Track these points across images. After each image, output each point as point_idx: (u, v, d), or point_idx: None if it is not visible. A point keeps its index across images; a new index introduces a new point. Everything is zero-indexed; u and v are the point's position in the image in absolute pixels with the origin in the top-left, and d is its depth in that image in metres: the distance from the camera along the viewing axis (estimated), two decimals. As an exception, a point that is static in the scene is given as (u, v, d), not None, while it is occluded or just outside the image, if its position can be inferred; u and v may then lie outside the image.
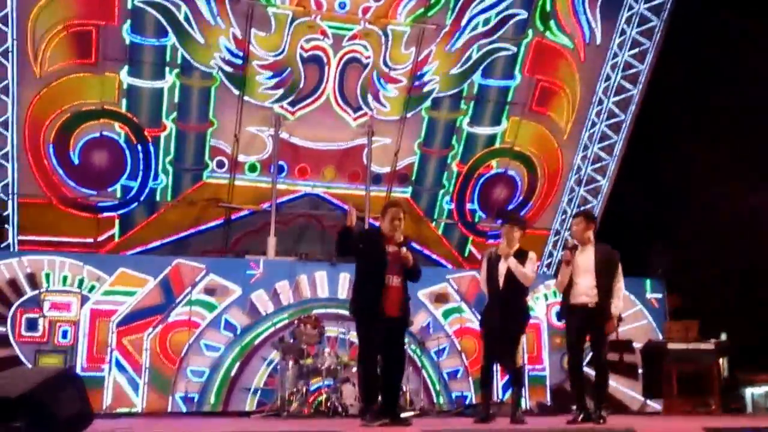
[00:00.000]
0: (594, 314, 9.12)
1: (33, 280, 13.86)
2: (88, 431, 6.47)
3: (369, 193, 16.88)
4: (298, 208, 17.39)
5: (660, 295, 16.58)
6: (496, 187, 18.25)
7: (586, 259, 9.27)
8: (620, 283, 9.29)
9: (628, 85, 17.84)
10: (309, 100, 16.85)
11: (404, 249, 8.84)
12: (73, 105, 15.91)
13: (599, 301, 9.09)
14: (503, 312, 9.35)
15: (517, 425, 9.10)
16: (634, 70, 17.78)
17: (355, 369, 12.23)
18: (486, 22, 16.98)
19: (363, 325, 8.77)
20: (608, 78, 17.91)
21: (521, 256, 9.50)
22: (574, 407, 9.56)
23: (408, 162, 17.73)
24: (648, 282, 16.58)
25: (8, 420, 6.00)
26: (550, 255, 18.62)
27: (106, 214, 16.42)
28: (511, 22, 17.13)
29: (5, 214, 15.70)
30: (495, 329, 9.39)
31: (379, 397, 8.72)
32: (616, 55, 17.81)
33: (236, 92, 16.38)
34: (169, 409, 13.72)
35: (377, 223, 9.66)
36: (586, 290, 9.16)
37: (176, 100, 16.37)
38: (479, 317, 10.14)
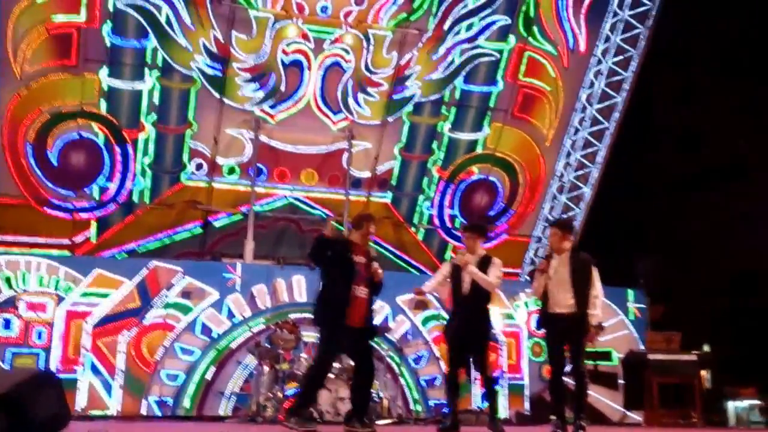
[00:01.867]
0: (571, 324, 9.01)
1: (9, 280, 13.74)
2: (64, 432, 6.42)
3: (348, 198, 16.81)
4: (277, 212, 17.26)
5: (642, 306, 16.46)
6: (477, 193, 18.18)
7: (562, 268, 9.16)
8: (596, 291, 9.14)
9: (611, 93, 17.79)
10: (290, 104, 16.78)
11: (376, 263, 8.86)
12: (53, 106, 15.86)
13: (576, 311, 8.98)
14: (469, 320, 9.29)
15: None
16: (618, 78, 17.76)
17: (332, 375, 12.19)
18: (469, 27, 16.96)
19: (327, 332, 8.67)
20: (592, 85, 17.89)
21: (486, 262, 9.41)
22: (553, 417, 9.46)
23: (388, 167, 17.67)
24: (630, 292, 16.47)
25: (-14, 419, 5.97)
26: (532, 262, 18.52)
27: (83, 215, 16.30)
28: (494, 27, 17.12)
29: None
30: (461, 337, 9.32)
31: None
32: (600, 62, 17.79)
33: (216, 95, 16.33)
34: (143, 413, 13.59)
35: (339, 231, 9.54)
36: (563, 300, 9.05)
37: (156, 101, 16.31)
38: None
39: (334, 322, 8.49)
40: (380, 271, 8.86)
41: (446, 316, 14.82)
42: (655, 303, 16.72)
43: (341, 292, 8.53)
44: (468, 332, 9.26)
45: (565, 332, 9.07)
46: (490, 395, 9.54)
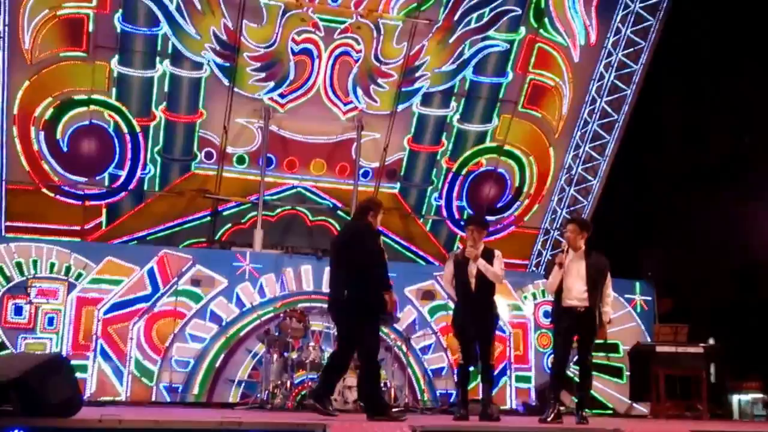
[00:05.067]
0: (583, 318, 9.25)
1: (20, 266, 13.83)
2: (76, 417, 6.46)
3: (357, 188, 16.81)
4: (286, 201, 17.31)
5: (649, 298, 16.55)
6: (486, 185, 18.19)
7: (578, 264, 9.38)
8: (609, 290, 9.49)
9: (621, 85, 17.77)
10: (299, 93, 16.79)
11: None
12: (63, 92, 15.88)
13: (589, 306, 9.22)
14: (477, 312, 9.42)
15: (490, 423, 9.09)
16: (628, 70, 17.72)
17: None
18: (479, 18, 16.94)
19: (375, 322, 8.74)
20: (602, 77, 17.84)
21: (488, 255, 9.56)
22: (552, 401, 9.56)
23: (397, 157, 17.65)
24: (637, 284, 16.56)
25: (0, 403, 6.10)
26: (539, 254, 18.56)
27: (93, 203, 16.39)
28: (505, 18, 17.09)
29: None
30: (470, 330, 9.44)
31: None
32: (610, 54, 17.75)
33: (226, 83, 16.33)
34: (153, 399, 13.70)
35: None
36: (577, 294, 9.27)
37: (166, 89, 16.33)
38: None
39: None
40: None
41: (452, 307, 15.09)
42: (662, 295, 16.76)
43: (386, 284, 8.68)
44: (476, 324, 9.38)
45: (574, 326, 9.31)
46: (488, 383, 9.63)
